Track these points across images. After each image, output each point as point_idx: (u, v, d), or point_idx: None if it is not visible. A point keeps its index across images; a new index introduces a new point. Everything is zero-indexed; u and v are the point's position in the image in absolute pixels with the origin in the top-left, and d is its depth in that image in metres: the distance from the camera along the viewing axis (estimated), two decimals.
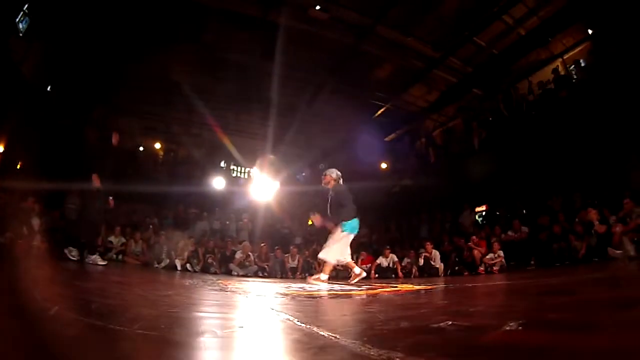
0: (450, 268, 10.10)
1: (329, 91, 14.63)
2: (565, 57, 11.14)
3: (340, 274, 9.55)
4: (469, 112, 13.53)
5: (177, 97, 14.41)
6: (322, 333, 1.56)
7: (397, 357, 1.13)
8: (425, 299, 3.75)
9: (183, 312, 2.37)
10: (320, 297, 3.98)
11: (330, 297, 3.92)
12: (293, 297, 3.73)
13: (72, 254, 5.90)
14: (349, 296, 4.02)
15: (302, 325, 1.82)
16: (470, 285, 5.56)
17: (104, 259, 6.56)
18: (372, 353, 1.20)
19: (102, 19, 10.09)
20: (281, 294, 4.16)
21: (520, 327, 1.46)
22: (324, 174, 6.65)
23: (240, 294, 4.06)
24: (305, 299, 3.65)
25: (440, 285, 5.71)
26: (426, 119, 16.11)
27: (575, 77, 10.54)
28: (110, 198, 6.70)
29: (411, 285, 5.67)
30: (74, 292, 2.83)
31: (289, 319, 2.02)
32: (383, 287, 5.45)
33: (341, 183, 6.62)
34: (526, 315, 1.93)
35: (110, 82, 12.18)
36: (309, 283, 6.09)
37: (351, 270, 6.44)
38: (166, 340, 1.43)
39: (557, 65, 11.05)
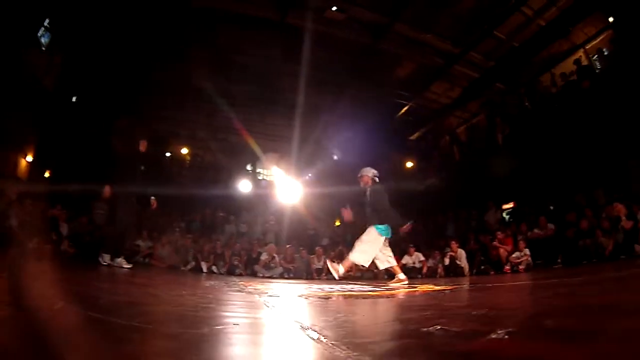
0: (475, 267, 9.92)
1: (351, 91, 14.62)
2: (587, 47, 10.76)
3: (364, 275, 9.56)
4: (492, 107, 13.26)
5: (202, 102, 14.75)
6: (308, 333, 1.58)
7: None
8: (435, 300, 3.70)
9: (187, 309, 2.44)
10: (333, 297, 4.00)
11: (343, 298, 3.93)
12: (306, 298, 3.77)
13: (105, 258, 6.03)
14: (364, 297, 4.01)
15: (295, 324, 1.86)
16: (489, 285, 5.47)
17: (130, 262, 6.73)
18: (340, 355, 1.22)
19: (122, 30, 10.44)
20: (298, 295, 4.20)
21: (506, 336, 1.42)
22: (360, 174, 6.40)
23: (255, 294, 4.13)
24: (316, 299, 3.68)
25: (459, 285, 5.61)
26: (449, 116, 15.89)
27: (598, 66, 10.17)
28: (152, 198, 6.83)
29: (431, 286, 5.61)
30: (87, 290, 2.97)
31: (284, 318, 2.05)
32: (401, 288, 5.42)
33: (377, 182, 6.42)
34: (523, 321, 1.89)
35: (134, 90, 12.57)
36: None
37: (395, 274, 6.20)
38: (157, 332, 1.50)
39: (580, 56, 10.70)
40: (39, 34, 9.15)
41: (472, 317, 2.25)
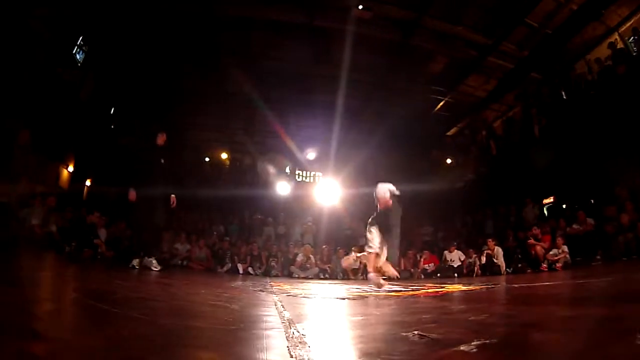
0: (513, 265, 9.61)
1: (385, 89, 14.53)
2: (621, 30, 10.12)
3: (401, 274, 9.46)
4: (527, 99, 12.77)
5: (239, 108, 15.09)
6: (295, 332, 1.63)
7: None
8: (447, 302, 3.64)
9: (192, 305, 2.55)
10: (348, 298, 4.01)
11: (357, 298, 3.94)
12: (324, 297, 3.81)
13: (134, 262, 6.04)
14: (382, 297, 4.00)
15: (286, 323, 1.90)
16: (516, 285, 5.30)
17: (167, 265, 6.93)
18: (299, 352, 1.27)
19: (156, 41, 10.89)
20: (332, 296, 4.24)
21: (476, 349, 1.37)
22: (376, 197, 5.66)
23: (275, 294, 4.20)
24: (322, 299, 3.71)
25: (487, 285, 5.44)
26: (486, 110, 15.44)
27: (634, 48, 9.54)
28: (172, 196, 6.52)
29: (459, 286, 5.51)
30: (107, 287, 3.15)
31: (282, 318, 2.09)
32: (429, 288, 5.36)
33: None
34: (508, 333, 1.78)
35: (170, 100, 13.07)
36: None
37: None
38: (143, 321, 1.61)
39: (615, 39, 10.09)
40: (73, 52, 9.71)
41: (466, 323, 2.19)
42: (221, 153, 18.02)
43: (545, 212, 11.63)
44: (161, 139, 6.65)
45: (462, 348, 1.35)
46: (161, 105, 12.94)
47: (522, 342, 1.58)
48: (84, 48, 9.87)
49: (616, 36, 10.19)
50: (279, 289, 5.05)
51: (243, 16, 11.00)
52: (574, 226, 8.81)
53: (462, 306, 3.38)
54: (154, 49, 11.15)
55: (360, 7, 10.48)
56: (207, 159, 17.56)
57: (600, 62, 10.15)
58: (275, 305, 2.86)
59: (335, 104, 14.22)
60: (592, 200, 9.73)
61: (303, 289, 5.17)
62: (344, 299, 3.91)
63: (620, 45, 9.93)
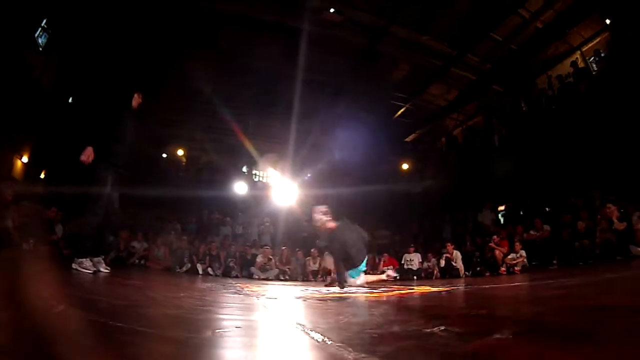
0: (472, 269, 9.95)
1: (348, 93, 14.62)
2: (583, 49, 10.81)
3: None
4: (489, 109, 13.31)
5: (198, 104, 14.67)
6: (313, 335, 1.56)
7: None
8: (434, 302, 3.70)
9: (186, 312, 2.41)
10: (331, 299, 3.98)
11: (340, 300, 3.91)
12: (304, 300, 3.75)
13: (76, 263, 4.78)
14: (362, 299, 4.00)
15: (296, 326, 1.83)
16: (486, 287, 5.46)
17: (126, 264, 6.49)
18: (349, 357, 1.20)
19: (121, 29, 10.38)
20: (295, 297, 4.18)
21: (511, 336, 1.42)
22: (317, 222, 5.61)
23: (252, 296, 4.10)
24: (314, 301, 3.66)
25: (456, 287, 5.60)
26: (446, 118, 15.93)
27: (595, 69, 10.22)
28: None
29: (428, 287, 5.61)
30: (84, 293, 2.93)
31: (284, 320, 2.03)
32: (399, 289, 5.41)
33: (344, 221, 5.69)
34: (524, 322, 1.87)
35: (131, 91, 12.47)
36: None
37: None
38: (159, 336, 1.48)
39: (576, 58, 10.74)
40: (36, 35, 9.05)
41: (472, 318, 2.24)
42: (178, 149, 17.49)
43: (501, 218, 12.13)
44: (136, 100, 5.63)
45: (496, 337, 1.38)
46: (121, 96, 12.31)
47: (544, 329, 1.64)
48: (47, 32, 9.21)
49: (578, 55, 10.82)
50: (252, 291, 4.94)
51: (213, 8, 10.70)
52: (531, 232, 9.27)
53: (453, 304, 3.43)
54: (117, 38, 10.60)
55: (332, 10, 10.51)
56: (164, 155, 16.98)
57: (561, 78, 10.75)
58: (266, 308, 2.80)
59: (298, 104, 14.20)
60: (548, 208, 10.28)
61: (275, 291, 5.07)
62: (327, 300, 3.86)
63: (581, 64, 10.55)
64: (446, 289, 5.28)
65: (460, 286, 5.75)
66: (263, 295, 4.29)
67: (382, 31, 11.36)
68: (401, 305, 3.41)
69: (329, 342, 1.41)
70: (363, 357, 1.17)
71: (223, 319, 2.26)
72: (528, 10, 10.39)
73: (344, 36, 11.67)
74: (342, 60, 12.95)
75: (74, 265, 4.67)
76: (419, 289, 5.28)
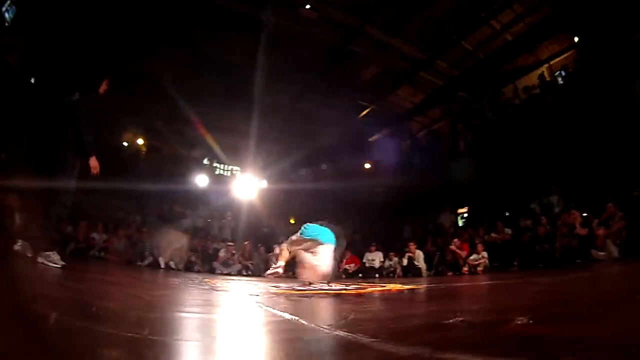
0: (434, 268, 10.23)
1: (315, 90, 14.58)
2: (551, 63, 11.36)
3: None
4: (455, 115, 13.71)
5: (161, 92, 14.15)
6: (339, 334, 1.55)
7: (426, 354, 1.12)
8: (423, 298, 3.80)
9: (190, 313, 2.35)
10: (314, 296, 3.98)
11: (324, 297, 3.92)
12: (287, 297, 3.73)
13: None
14: (343, 295, 4.02)
15: (315, 326, 1.82)
16: (460, 284, 5.65)
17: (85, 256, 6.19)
18: (400, 351, 1.21)
19: (88, 10, 9.86)
20: (273, 293, 4.16)
21: (531, 321, 1.49)
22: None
23: (235, 293, 4.05)
24: (300, 298, 3.65)
25: (429, 285, 5.76)
26: (411, 121, 16.23)
27: (561, 82, 10.77)
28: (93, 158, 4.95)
29: (400, 285, 5.71)
30: (64, 294, 2.78)
31: (296, 320, 2.01)
32: (372, 287, 5.48)
33: None
34: (531, 311, 1.97)
35: (95, 75, 11.88)
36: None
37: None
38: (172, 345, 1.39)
39: (543, 71, 11.27)
40: (2, 9, 8.43)
41: (477, 310, 2.32)
42: (138, 139, 16.85)
43: (461, 221, 12.54)
44: (103, 87, 5.38)
45: (519, 322, 1.46)
46: (85, 80, 11.68)
47: (553, 315, 1.75)
48: (14, 5, 8.57)
49: (545, 69, 11.34)
50: (225, 287, 4.90)
51: None
52: (493, 235, 9.64)
53: (445, 300, 3.52)
54: (86, 18, 10.04)
55: (308, 6, 10.45)
56: (125, 144, 16.31)
57: (528, 89, 11.23)
58: (264, 306, 2.76)
59: (263, 98, 14.07)
60: (507, 213, 10.73)
61: (251, 288, 5.02)
62: (306, 297, 3.87)
63: (548, 77, 11.06)
64: (418, 287, 5.42)
65: (431, 284, 5.91)
66: (242, 292, 4.24)
67: (356, 31, 11.40)
68: (390, 302, 3.46)
69: (363, 339, 1.41)
70: (412, 349, 1.19)
71: (237, 320, 2.22)
72: (500, 21, 10.79)
73: (316, 33, 11.62)
74: (312, 57, 12.88)
75: (39, 259, 4.40)
76: (392, 287, 5.36)
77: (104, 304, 2.24)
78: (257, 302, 3.03)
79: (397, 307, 3.07)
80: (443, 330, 1.60)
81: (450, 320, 1.70)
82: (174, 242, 10.66)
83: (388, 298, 3.85)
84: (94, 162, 4.90)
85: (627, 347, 1.11)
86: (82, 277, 4.31)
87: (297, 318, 2.05)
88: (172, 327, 1.78)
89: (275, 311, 2.46)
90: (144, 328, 1.48)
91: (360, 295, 4.20)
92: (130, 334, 1.39)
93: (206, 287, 4.67)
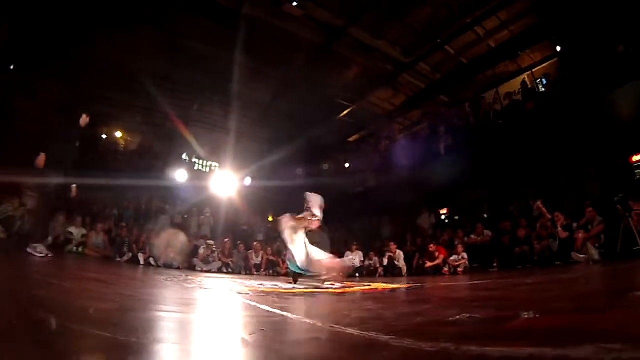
0: (414, 268, 10.37)
1: (295, 88, 14.54)
2: (534, 71, 11.64)
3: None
4: (435, 118, 13.89)
5: (140, 85, 13.86)
6: (350, 332, 1.59)
7: (451, 347, 1.18)
8: (412, 297, 3.87)
9: (195, 315, 2.35)
10: (305, 294, 4.01)
11: (313, 295, 3.96)
12: (277, 295, 3.75)
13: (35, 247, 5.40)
14: (331, 294, 4.07)
15: (323, 325, 1.85)
16: (444, 284, 5.76)
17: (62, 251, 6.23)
18: (422, 346, 1.26)
19: None
20: (263, 291, 4.17)
21: (537, 315, 1.56)
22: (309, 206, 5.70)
23: (223, 291, 4.04)
24: (291, 296, 3.68)
25: (414, 285, 5.84)
26: (391, 122, 16.36)
27: (542, 90, 11.06)
28: (74, 187, 6.19)
29: (385, 285, 5.79)
30: (58, 295, 2.74)
31: (300, 319, 2.03)
32: (358, 286, 5.54)
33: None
34: (529, 306, 2.03)
35: (74, 65, 11.55)
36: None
37: None
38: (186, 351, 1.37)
39: (525, 78, 11.55)
40: None
41: (477, 306, 2.40)
42: (116, 131, 16.50)
43: (444, 219, 12.75)
44: (84, 121, 6.18)
45: (525, 317, 1.53)
46: (65, 69, 11.33)
47: (556, 308, 1.84)
48: None
49: (526, 76, 11.61)
50: (215, 285, 4.88)
51: None
52: (472, 236, 9.85)
53: (440, 298, 3.60)
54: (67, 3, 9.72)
55: (295, 4, 10.43)
56: (104, 136, 15.93)
57: (510, 95, 11.48)
58: (262, 305, 2.78)
59: (243, 95, 14.01)
60: (485, 215, 10.98)
61: (235, 286, 5.01)
62: (297, 295, 3.91)
63: (530, 84, 11.34)
64: (405, 286, 5.52)
65: (417, 284, 5.98)
66: (234, 291, 4.24)
67: (340, 31, 11.41)
68: (382, 300, 3.52)
69: (379, 337, 1.45)
70: (436, 345, 1.22)
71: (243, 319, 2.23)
72: (484, 28, 11.00)
73: (300, 31, 11.59)
74: (294, 55, 12.82)
75: (29, 250, 5.20)
76: (377, 286, 5.44)
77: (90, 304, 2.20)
78: (253, 302, 3.04)
79: (392, 305, 3.12)
80: (454, 326, 1.66)
81: (457, 317, 1.76)
82: (154, 238, 10.50)
83: (378, 297, 3.91)
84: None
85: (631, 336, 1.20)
86: (64, 275, 4.24)
87: (300, 317, 2.09)
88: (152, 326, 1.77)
89: (276, 310, 2.49)
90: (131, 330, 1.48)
91: (348, 294, 4.25)
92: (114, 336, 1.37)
93: (192, 285, 4.64)
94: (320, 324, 1.87)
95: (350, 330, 1.62)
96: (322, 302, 3.38)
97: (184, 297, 3.36)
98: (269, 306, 2.67)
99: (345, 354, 1.34)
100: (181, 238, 10.84)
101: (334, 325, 1.78)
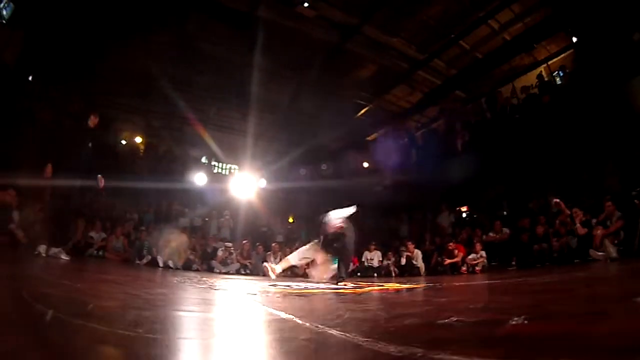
0: (432, 268, 10.24)
1: (312, 89, 14.57)
2: (549, 63, 11.38)
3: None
4: (452, 114, 13.72)
5: (159, 90, 14.12)
6: (332, 332, 1.56)
7: (418, 353, 1.13)
8: (420, 297, 3.82)
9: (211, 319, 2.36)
10: (312, 295, 4.00)
11: (322, 296, 3.94)
12: (284, 296, 3.74)
13: (41, 249, 5.63)
14: (341, 294, 4.04)
15: (310, 325, 1.84)
16: (458, 284, 5.66)
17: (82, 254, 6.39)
18: (391, 350, 1.22)
19: (85, 5, 9.82)
20: (271, 292, 4.17)
21: (526, 321, 1.51)
22: (327, 224, 5.78)
23: (231, 292, 4.05)
24: (298, 297, 3.67)
25: (427, 284, 5.77)
26: (408, 120, 16.24)
27: (559, 82, 10.80)
28: (99, 176, 6.28)
29: (398, 285, 5.73)
30: (71, 292, 2.79)
31: (294, 320, 2.02)
32: (370, 286, 5.50)
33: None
34: (528, 310, 1.99)
35: (93, 73, 11.87)
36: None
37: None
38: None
39: (541, 71, 11.30)
40: (0, 5, 8.43)
41: (474, 309, 2.35)
42: (136, 137, 16.83)
43: (464, 217, 12.56)
44: (93, 122, 6.38)
45: (514, 322, 1.49)
46: (82, 77, 11.66)
47: (550, 313, 1.77)
48: (12, 2, 8.54)
49: (543, 69, 11.36)
50: (226, 286, 4.90)
51: None
52: (491, 234, 9.67)
53: (443, 299, 3.54)
54: (83, 12, 9.98)
55: (306, 4, 10.44)
56: (123, 142, 16.27)
57: (526, 89, 11.25)
58: (262, 305, 2.78)
59: (260, 97, 14.07)
60: (505, 212, 10.76)
61: (251, 288, 5.03)
62: (304, 295, 3.89)
63: (546, 77, 11.09)
64: (417, 286, 5.44)
65: (430, 284, 5.89)
66: (244, 291, 4.25)
67: (353, 30, 11.40)
68: (388, 301, 3.48)
69: (356, 338, 1.41)
70: (405, 349, 1.19)
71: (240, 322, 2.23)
72: (498, 21, 10.82)
73: (314, 32, 11.61)
74: (308, 56, 12.86)
75: (50, 254, 5.47)
76: (390, 286, 5.39)
77: (102, 303, 2.25)
78: (255, 301, 3.05)
79: (393, 306, 3.08)
80: (437, 329, 1.62)
81: (446, 320, 1.72)
82: (172, 241, 10.64)
83: (385, 297, 3.86)
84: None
85: (623, 347, 1.13)
86: (82, 276, 4.34)
87: (292, 316, 2.07)
88: (170, 325, 1.80)
89: (272, 310, 2.48)
90: (142, 326, 1.50)
91: (357, 294, 4.22)
92: (128, 332, 1.39)
93: (204, 286, 4.68)
94: (308, 324, 1.84)
95: (332, 331, 1.58)
96: (323, 302, 3.35)
97: (189, 297, 3.38)
98: (268, 306, 2.67)
99: (310, 353, 1.33)
100: (182, 239, 10.92)
101: (319, 326, 1.75)
